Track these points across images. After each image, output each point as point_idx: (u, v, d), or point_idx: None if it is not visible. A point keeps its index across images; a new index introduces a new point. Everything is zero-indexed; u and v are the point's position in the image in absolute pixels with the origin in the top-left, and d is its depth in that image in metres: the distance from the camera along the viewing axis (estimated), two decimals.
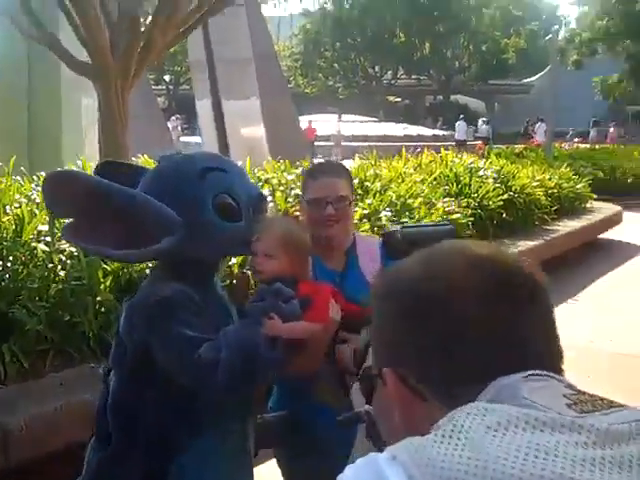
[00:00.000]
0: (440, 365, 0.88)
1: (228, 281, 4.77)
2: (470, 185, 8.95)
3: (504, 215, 8.86)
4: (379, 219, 6.81)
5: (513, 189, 9.42)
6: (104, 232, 1.91)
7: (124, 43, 6.45)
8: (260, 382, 2.08)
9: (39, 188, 7.05)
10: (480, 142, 25.40)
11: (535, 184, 9.99)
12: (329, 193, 2.36)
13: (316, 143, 25.86)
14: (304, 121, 25.48)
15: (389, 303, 0.98)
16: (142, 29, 6.68)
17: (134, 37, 6.44)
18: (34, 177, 7.62)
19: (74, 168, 8.23)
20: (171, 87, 50.82)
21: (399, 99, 53.01)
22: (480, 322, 0.87)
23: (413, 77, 52.24)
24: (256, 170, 8.72)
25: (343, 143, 26.26)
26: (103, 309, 4.48)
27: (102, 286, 4.61)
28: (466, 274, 0.90)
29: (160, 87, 46.97)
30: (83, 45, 6.49)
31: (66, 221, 2.14)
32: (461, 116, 31.62)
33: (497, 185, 9.14)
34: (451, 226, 2.19)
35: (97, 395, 3.83)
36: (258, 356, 1.85)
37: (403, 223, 7.03)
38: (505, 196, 8.98)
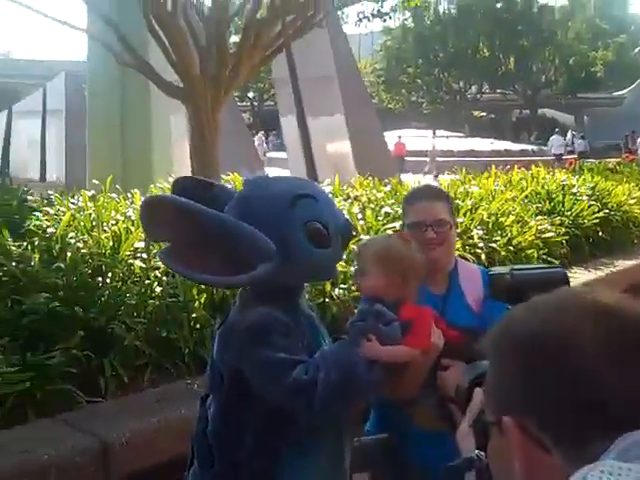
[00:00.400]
0: (565, 416, 0.87)
1: (321, 299, 4.80)
2: (563, 203, 8.71)
3: (600, 233, 8.59)
4: (471, 237, 6.70)
5: (609, 206, 9.12)
6: (198, 256, 1.90)
7: (213, 66, 6.57)
8: (357, 404, 2.08)
9: (134, 205, 7.24)
10: (573, 157, 24.81)
11: (632, 201, 9.66)
12: (428, 217, 2.37)
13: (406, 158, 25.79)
14: (392, 137, 25.48)
15: (508, 353, 0.96)
16: (230, 51, 6.79)
17: (222, 60, 6.55)
18: (128, 194, 7.83)
19: (165, 184, 8.44)
20: (255, 103, 51.63)
21: (484, 114, 52.39)
22: (609, 379, 0.86)
23: (498, 91, 51.59)
24: (345, 187, 8.74)
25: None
26: (198, 325, 4.54)
27: (197, 303, 4.67)
28: (591, 328, 0.89)
29: (244, 103, 47.79)
30: (173, 67, 6.64)
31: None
32: (556, 130, 31.11)
33: (592, 202, 8.87)
34: (563, 271, 2.16)
35: (193, 411, 3.92)
36: (356, 377, 1.84)
37: (496, 242, 6.90)
38: (601, 214, 8.70)
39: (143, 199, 1.96)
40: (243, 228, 1.89)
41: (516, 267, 2.21)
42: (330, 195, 2.26)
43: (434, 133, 30.29)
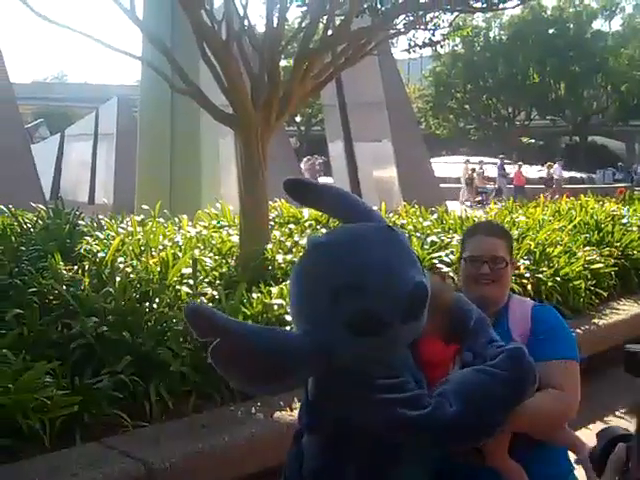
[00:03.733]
0: None
1: None
2: (613, 233, 8.58)
3: None
4: (517, 268, 6.64)
5: None
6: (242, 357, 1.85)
7: (265, 94, 6.63)
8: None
9: (182, 231, 7.35)
10: (623, 186, 24.58)
11: None
12: (485, 252, 2.38)
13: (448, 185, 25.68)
14: (438, 163, 25.43)
15: None
16: (281, 80, 6.86)
17: (274, 88, 6.61)
18: (176, 219, 7.96)
19: (212, 210, 8.54)
20: (302, 128, 51.98)
21: (532, 140, 51.91)
22: None
23: (547, 118, 51.10)
24: (391, 214, 8.75)
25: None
26: None
27: None
28: None
29: (291, 128, 48.13)
30: (225, 95, 6.72)
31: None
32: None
33: None
34: None
35: (236, 437, 3.95)
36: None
37: (542, 272, 6.82)
38: None
39: (186, 309, 1.91)
40: (265, 343, 1.83)
41: None
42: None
43: (502, 162, 29.86)
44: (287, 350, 1.83)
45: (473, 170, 27.62)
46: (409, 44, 8.36)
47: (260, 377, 1.85)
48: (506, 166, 29.71)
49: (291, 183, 2.22)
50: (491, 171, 29.46)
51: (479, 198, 26.29)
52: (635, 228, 8.84)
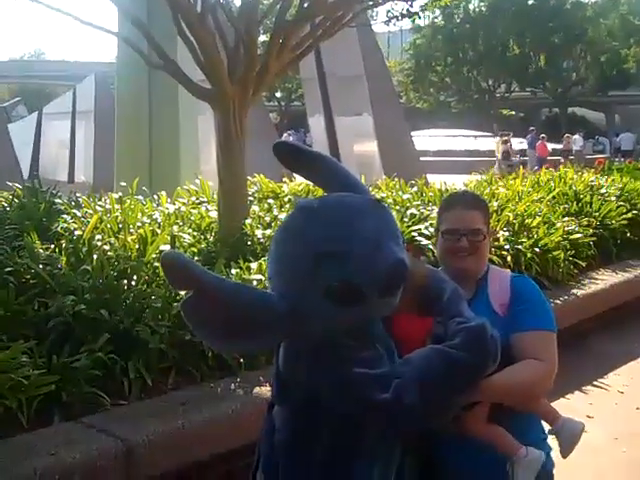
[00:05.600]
0: None
1: None
2: (591, 203, 8.62)
3: (628, 234, 8.49)
4: (497, 239, 6.66)
5: (638, 207, 9.01)
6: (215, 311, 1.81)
7: (241, 68, 6.57)
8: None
9: (160, 208, 7.30)
10: (602, 157, 24.70)
11: None
12: (463, 226, 2.34)
13: (428, 158, 25.66)
14: (420, 136, 25.37)
15: None
16: (258, 53, 6.79)
17: (251, 62, 6.54)
18: (155, 196, 7.89)
19: (192, 186, 8.48)
20: (283, 103, 51.72)
21: (513, 112, 51.96)
22: None
23: (527, 90, 51.14)
24: (371, 188, 8.72)
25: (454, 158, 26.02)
26: None
27: None
28: None
29: (272, 103, 47.85)
30: (201, 69, 6.65)
31: None
32: (627, 129, 31.27)
33: (621, 203, 8.77)
34: None
35: (216, 414, 3.94)
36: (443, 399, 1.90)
37: (522, 244, 6.85)
38: (629, 215, 8.60)
39: (162, 256, 1.85)
40: (241, 299, 1.80)
41: None
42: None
43: (502, 135, 29.75)
44: (263, 306, 1.80)
45: (505, 142, 27.34)
46: (387, 16, 8.28)
47: (233, 332, 1.81)
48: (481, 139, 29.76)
49: (284, 147, 2.16)
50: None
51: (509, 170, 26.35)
52: (613, 198, 8.88)
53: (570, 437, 2.16)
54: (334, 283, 1.77)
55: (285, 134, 28.67)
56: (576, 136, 28.65)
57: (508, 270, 2.58)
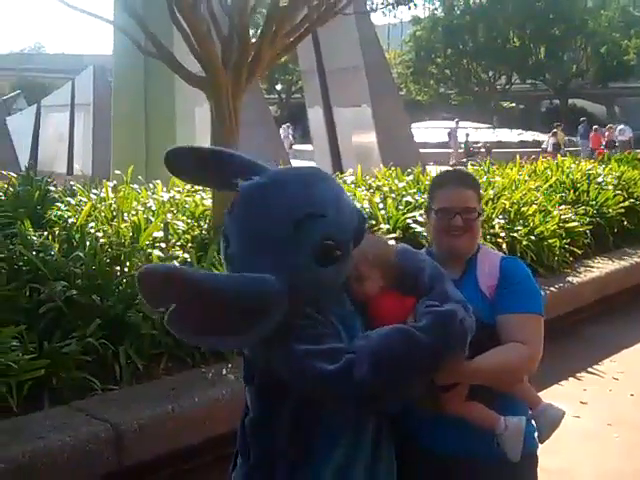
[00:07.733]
0: None
1: None
2: (588, 192, 8.60)
3: (625, 223, 8.47)
4: (492, 227, 6.65)
5: (635, 196, 8.98)
6: (204, 315, 1.74)
7: (235, 55, 6.56)
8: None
9: (155, 196, 7.29)
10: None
11: None
12: (457, 204, 2.30)
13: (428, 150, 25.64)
14: (419, 128, 25.30)
15: None
16: (252, 41, 6.78)
17: (244, 49, 6.53)
18: (150, 185, 7.88)
19: None
20: (283, 96, 51.62)
21: (513, 104, 51.83)
22: None
23: (528, 82, 50.99)
24: (367, 177, 8.71)
25: None
26: None
27: None
28: None
29: (272, 96, 47.77)
30: (196, 57, 6.64)
31: None
32: (624, 121, 31.27)
33: (618, 192, 8.74)
34: None
35: (207, 399, 3.94)
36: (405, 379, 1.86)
37: (517, 231, 6.83)
38: (626, 203, 8.57)
39: (137, 274, 1.72)
40: (227, 287, 1.73)
41: None
42: (344, 187, 2.11)
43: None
44: (260, 291, 1.75)
45: (555, 134, 27.21)
46: (383, 3, 8.25)
47: (234, 327, 1.76)
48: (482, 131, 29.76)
49: (179, 151, 2.07)
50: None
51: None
52: (610, 187, 8.85)
53: (549, 423, 2.13)
54: (323, 242, 1.79)
55: (281, 129, 28.55)
56: (622, 126, 28.34)
57: (500, 252, 2.55)
